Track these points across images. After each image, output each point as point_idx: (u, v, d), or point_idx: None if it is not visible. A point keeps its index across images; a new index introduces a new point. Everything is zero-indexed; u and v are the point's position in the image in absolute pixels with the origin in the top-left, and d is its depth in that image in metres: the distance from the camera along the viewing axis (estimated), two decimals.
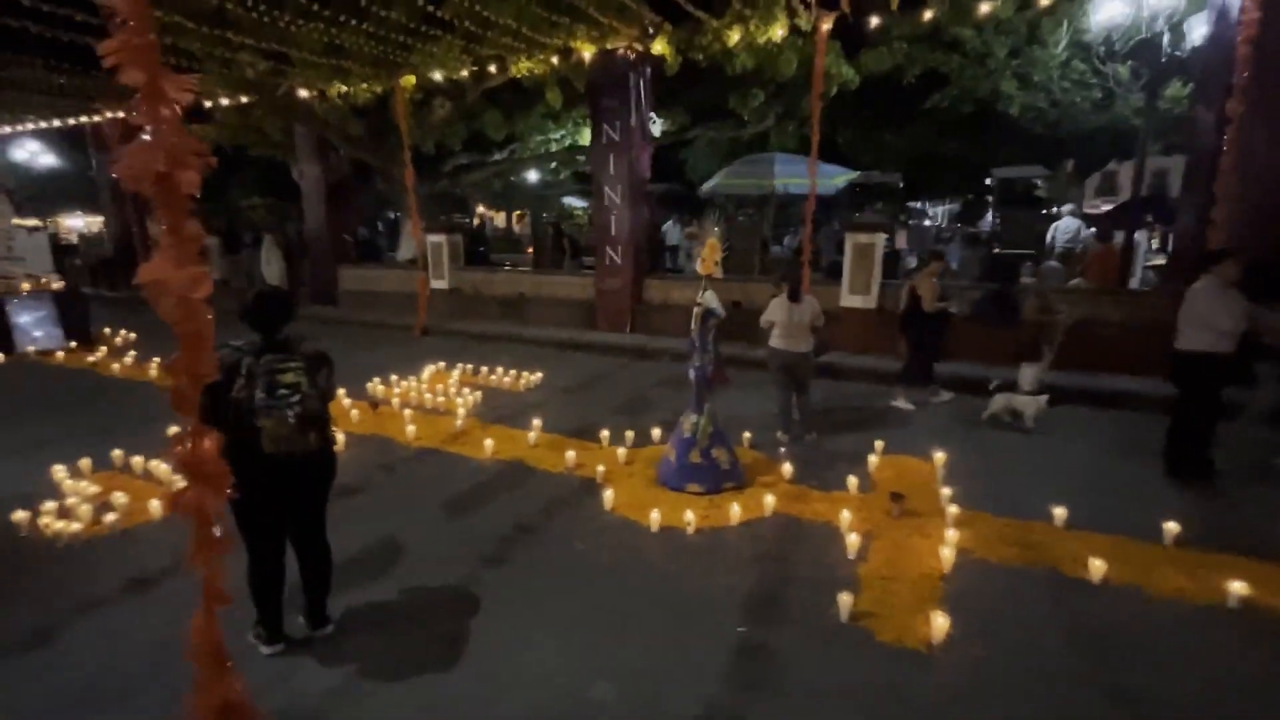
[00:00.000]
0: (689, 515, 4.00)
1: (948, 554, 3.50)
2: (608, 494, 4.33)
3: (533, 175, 21.63)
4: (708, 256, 4.37)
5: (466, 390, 7.01)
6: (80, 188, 23.77)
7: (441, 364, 8.32)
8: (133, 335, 10.19)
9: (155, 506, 4.07)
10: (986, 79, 9.94)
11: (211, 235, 16.34)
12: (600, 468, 4.78)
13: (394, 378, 7.53)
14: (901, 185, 14.16)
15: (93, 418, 6.28)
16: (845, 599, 3.07)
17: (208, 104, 14.23)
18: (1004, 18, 8.91)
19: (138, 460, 4.84)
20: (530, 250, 20.02)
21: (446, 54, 10.15)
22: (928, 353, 6.61)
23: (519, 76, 11.16)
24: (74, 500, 4.11)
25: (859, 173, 12.08)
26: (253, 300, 2.70)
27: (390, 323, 12.35)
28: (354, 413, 6.15)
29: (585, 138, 17.13)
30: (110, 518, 3.91)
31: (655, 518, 3.99)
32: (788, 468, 4.77)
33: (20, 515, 3.90)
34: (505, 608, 3.25)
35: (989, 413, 5.96)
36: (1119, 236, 8.97)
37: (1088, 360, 7.17)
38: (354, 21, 9.32)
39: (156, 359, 8.30)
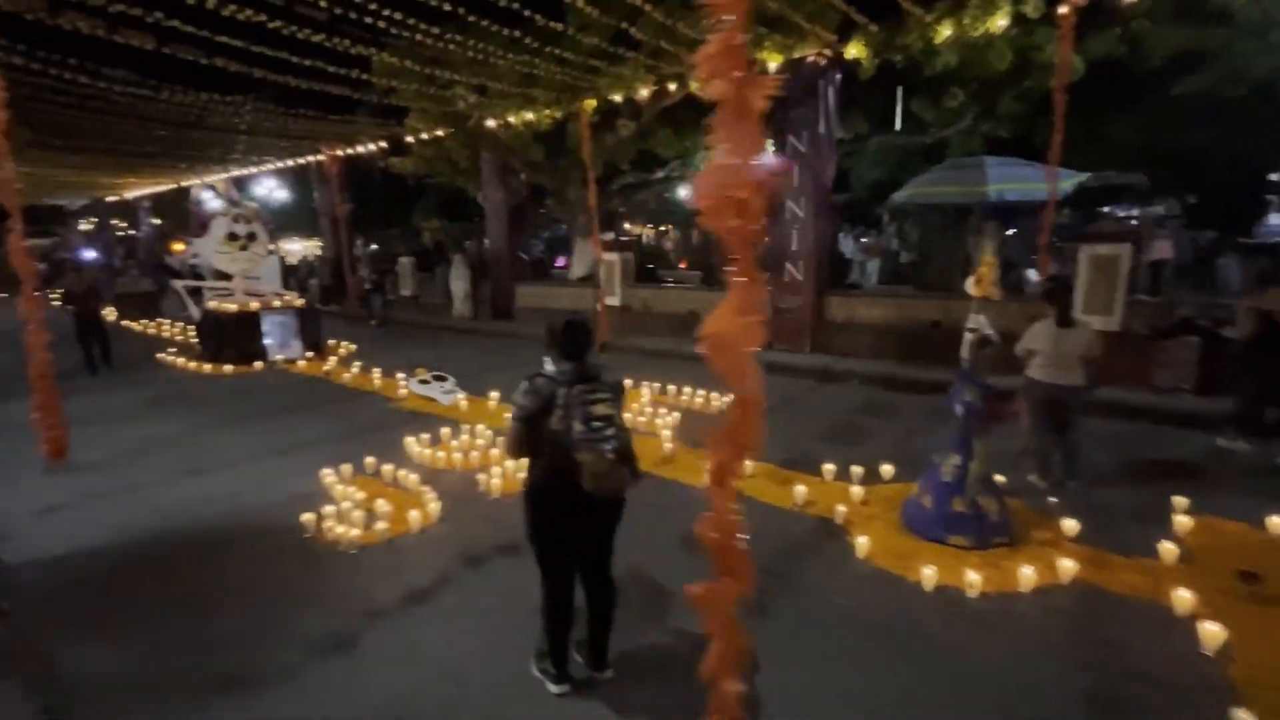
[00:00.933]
0: (971, 576, 3.46)
1: None
2: (860, 541, 3.90)
3: (678, 191, 21.73)
4: (985, 276, 3.82)
5: (664, 411, 6.91)
6: (301, 217, 27.62)
7: (628, 381, 8.34)
8: (353, 346, 11.41)
9: (414, 518, 4.29)
10: (1268, 54, 8.22)
11: (406, 255, 18.20)
12: (840, 508, 4.37)
13: None
14: (1149, 185, 12.21)
15: (337, 422, 6.96)
16: (1242, 716, 2.40)
17: (409, 140, 15.81)
18: None
19: (388, 469, 5.20)
20: (684, 265, 20.16)
21: (633, 74, 10.34)
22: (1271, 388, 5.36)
23: (697, 92, 11.11)
24: (347, 505, 4.45)
25: (1088, 174, 10.57)
26: (563, 328, 2.63)
27: None
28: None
29: None
30: (380, 526, 4.17)
31: (928, 575, 3.50)
32: (1070, 524, 4.03)
33: (308, 517, 4.28)
34: (779, 665, 2.94)
35: None
36: None
37: None
38: (548, 49, 9.81)
39: (377, 370, 9.16)
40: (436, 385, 7.88)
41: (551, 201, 16.11)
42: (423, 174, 17.14)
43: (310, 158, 18.77)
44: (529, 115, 12.88)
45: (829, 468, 5.07)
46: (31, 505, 4.73)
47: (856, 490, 4.65)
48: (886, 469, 5.04)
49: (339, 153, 17.82)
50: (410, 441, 5.88)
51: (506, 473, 5.14)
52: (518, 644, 3.00)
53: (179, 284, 11.45)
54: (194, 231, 11.31)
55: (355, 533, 4.07)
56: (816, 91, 9.56)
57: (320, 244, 20.91)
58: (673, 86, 10.96)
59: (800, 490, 4.65)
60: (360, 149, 17.04)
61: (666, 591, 3.57)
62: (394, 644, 3.16)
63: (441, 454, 5.60)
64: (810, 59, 9.42)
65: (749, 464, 5.24)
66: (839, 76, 9.71)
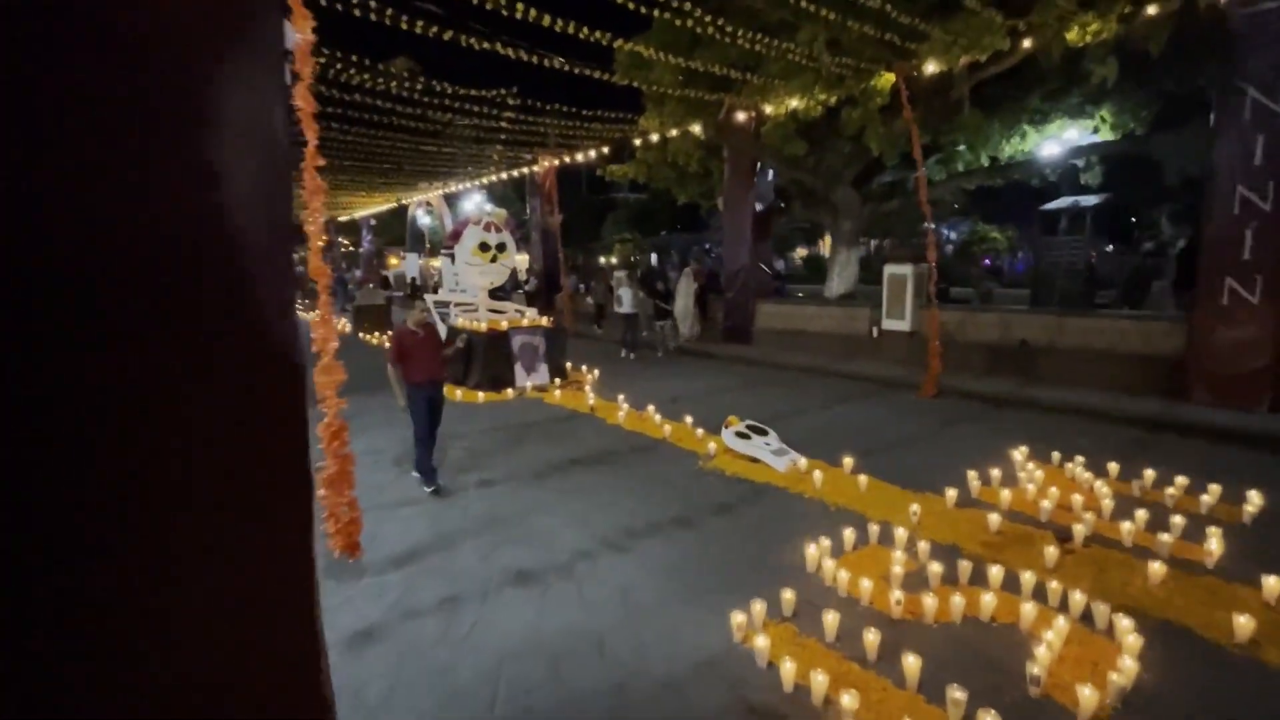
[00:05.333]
0: None
1: None
2: None
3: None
4: None
5: (1176, 515, 4.21)
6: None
7: (1022, 449, 5.73)
8: (595, 373, 9.92)
9: None
10: None
11: (621, 269, 16.98)
12: None
13: (994, 472, 5.18)
14: None
15: (655, 491, 5.14)
16: None
17: (637, 142, 14.47)
18: None
19: (830, 620, 3.10)
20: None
21: (979, 31, 7.76)
22: None
23: (1055, 49, 8.25)
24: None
25: None
26: None
27: (828, 369, 10.41)
28: (1050, 551, 3.83)
29: (1029, 142, 13.21)
30: None
31: None
32: None
33: None
34: None
35: None
36: None
37: None
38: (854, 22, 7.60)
39: (651, 407, 7.42)
40: (758, 440, 5.85)
41: (797, 205, 13.87)
42: (648, 181, 15.76)
43: (525, 169, 18.39)
44: (794, 102, 10.75)
45: None
46: (338, 629, 3.24)
47: None
48: None
49: (555, 162, 17.12)
50: (814, 555, 3.80)
51: (1069, 657, 2.83)
52: None
53: (429, 299, 10.73)
54: (444, 243, 10.52)
55: None
56: None
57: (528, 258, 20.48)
58: (1027, 43, 8.22)
59: None
60: (579, 156, 16.09)
61: None
62: None
63: (896, 594, 3.40)
64: None
65: None
66: None
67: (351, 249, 37.38)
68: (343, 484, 3.75)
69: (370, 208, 26.56)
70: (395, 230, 32.30)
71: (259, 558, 1.20)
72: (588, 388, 8.94)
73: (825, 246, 31.39)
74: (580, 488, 5.27)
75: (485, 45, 7.53)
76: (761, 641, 2.93)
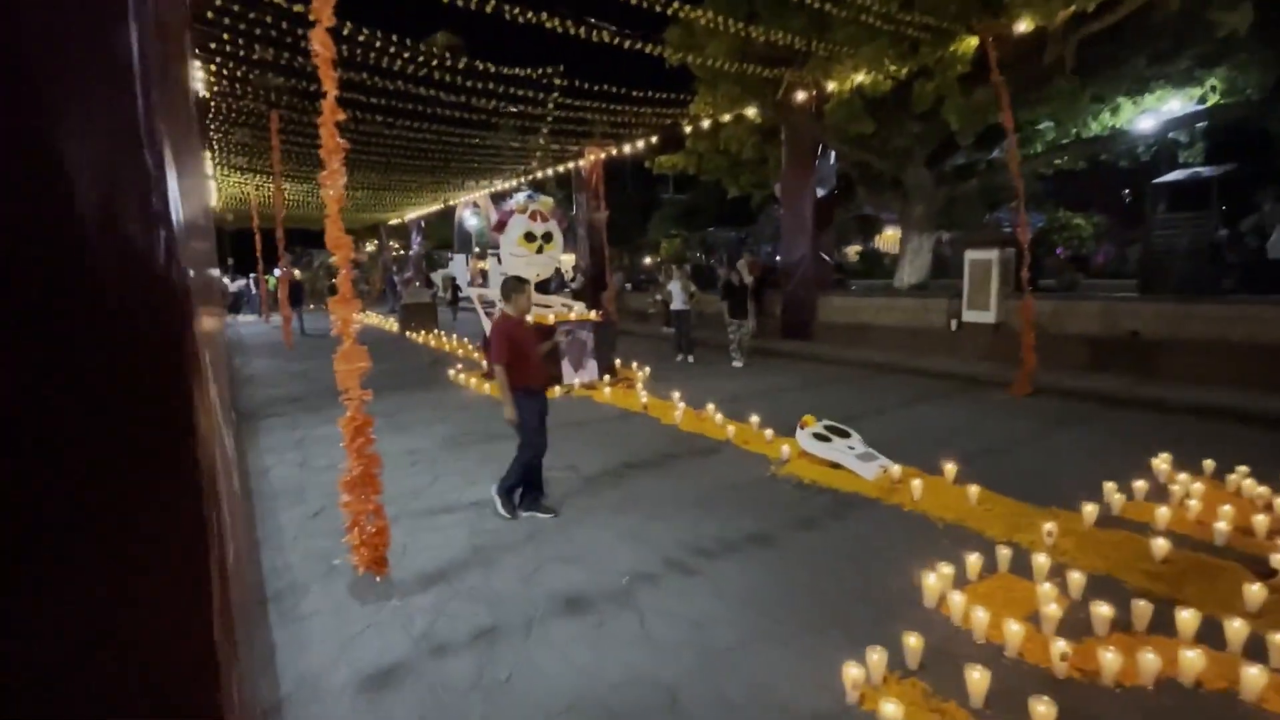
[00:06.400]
0: None
1: None
2: None
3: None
4: None
5: None
6: None
7: (1165, 456, 4.77)
8: (645, 370, 9.27)
9: None
10: None
11: (673, 262, 16.31)
12: None
13: (1138, 484, 4.27)
14: None
15: (722, 502, 4.45)
16: None
17: (688, 129, 13.83)
18: None
19: (978, 679, 2.35)
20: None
21: None
22: None
23: None
24: None
25: None
26: None
27: (902, 365, 9.47)
28: (1253, 590, 2.95)
29: (1122, 115, 11.81)
30: None
31: None
32: None
33: None
34: None
35: None
36: None
37: None
38: None
39: (711, 406, 6.70)
40: (840, 443, 5.08)
41: (862, 191, 12.92)
42: (699, 171, 15.07)
43: (571, 164, 17.96)
44: (860, 77, 9.87)
45: None
46: (356, 664, 2.69)
47: None
48: None
49: (601, 154, 16.61)
50: (934, 586, 3.04)
51: None
52: None
53: (475, 292, 10.33)
54: (489, 234, 10.10)
55: None
56: None
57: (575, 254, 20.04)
58: None
59: None
60: (627, 148, 15.50)
61: None
62: None
63: (1060, 644, 2.62)
64: None
65: None
66: None
67: (402, 252, 37.88)
68: (367, 488, 3.21)
69: (419, 209, 26.70)
70: (444, 234, 32.49)
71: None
72: (639, 386, 8.30)
73: (882, 241, 29.94)
74: (635, 496, 4.62)
75: (530, 16, 7.02)
76: (891, 710, 2.20)
